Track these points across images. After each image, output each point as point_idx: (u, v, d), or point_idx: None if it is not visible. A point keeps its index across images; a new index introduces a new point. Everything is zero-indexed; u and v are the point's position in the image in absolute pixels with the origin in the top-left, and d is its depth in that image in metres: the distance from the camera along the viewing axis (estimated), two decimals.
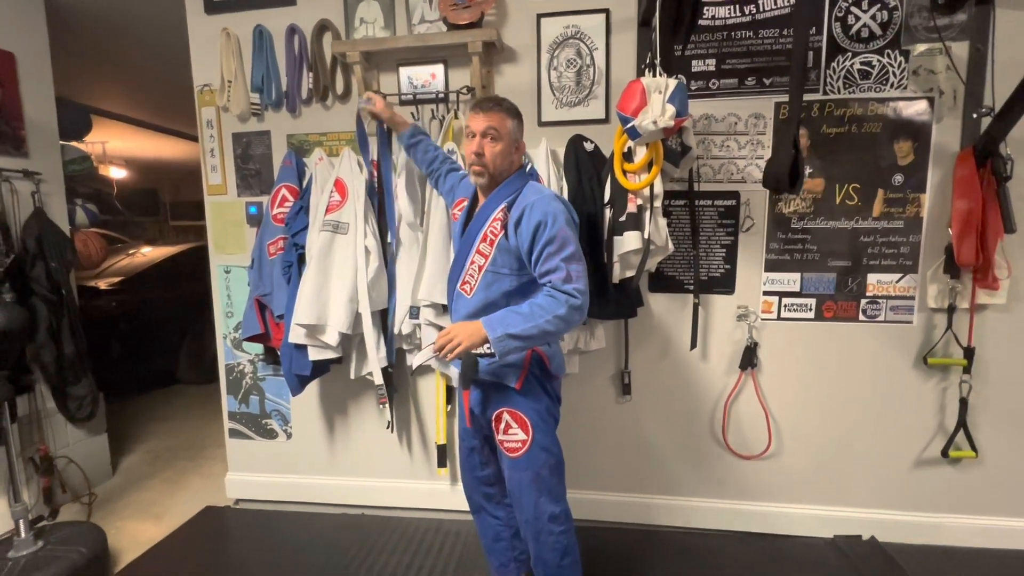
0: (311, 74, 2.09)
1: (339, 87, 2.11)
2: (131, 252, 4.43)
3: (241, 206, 2.23)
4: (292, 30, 2.07)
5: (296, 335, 1.94)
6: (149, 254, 4.40)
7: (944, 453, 1.92)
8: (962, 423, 1.89)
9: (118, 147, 5.53)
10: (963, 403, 1.88)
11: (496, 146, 1.38)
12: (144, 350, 3.89)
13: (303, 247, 2.00)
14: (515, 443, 1.43)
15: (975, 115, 1.77)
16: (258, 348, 2.25)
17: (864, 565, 1.87)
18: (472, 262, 1.41)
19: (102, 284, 3.76)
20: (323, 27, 2.07)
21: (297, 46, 2.09)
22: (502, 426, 1.44)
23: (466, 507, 2.18)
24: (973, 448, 1.90)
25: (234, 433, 2.37)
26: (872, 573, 1.84)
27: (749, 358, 1.98)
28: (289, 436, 2.33)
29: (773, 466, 2.04)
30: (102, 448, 2.69)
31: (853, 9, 1.81)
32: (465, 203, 1.54)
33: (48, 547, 1.90)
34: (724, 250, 1.97)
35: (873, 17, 1.81)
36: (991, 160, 1.72)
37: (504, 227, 1.36)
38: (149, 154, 6.13)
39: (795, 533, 2.04)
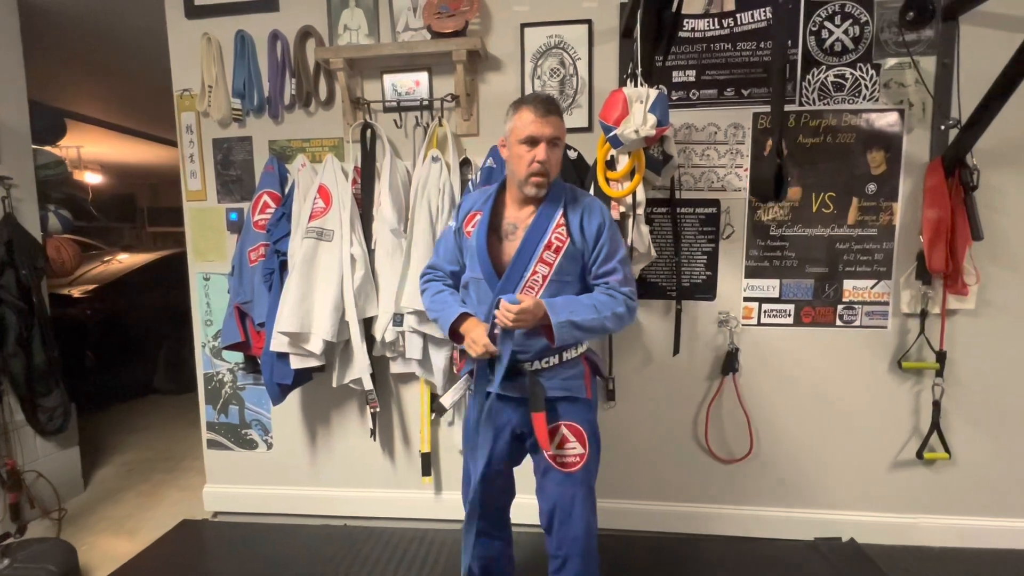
0: (294, 80, 2.08)
1: (323, 93, 2.10)
2: (106, 259, 4.33)
3: (221, 212, 2.20)
4: (275, 36, 2.06)
5: (278, 343, 1.91)
6: (125, 261, 4.30)
7: (919, 455, 1.97)
8: (935, 425, 1.94)
9: (94, 152, 5.41)
10: (936, 406, 1.94)
11: (558, 152, 1.32)
12: (120, 359, 3.79)
13: (285, 254, 1.97)
14: (573, 457, 1.35)
15: (943, 127, 1.84)
16: (238, 357, 2.21)
17: (843, 567, 1.90)
18: (534, 273, 1.31)
19: (75, 292, 3.66)
20: (306, 33, 2.06)
21: (280, 52, 2.07)
22: (556, 440, 1.35)
23: (451, 516, 2.18)
24: (946, 449, 1.95)
25: (212, 444, 2.31)
26: (851, 574, 1.87)
27: (730, 363, 2.00)
28: (270, 446, 2.28)
29: (755, 470, 2.07)
30: (73, 461, 2.61)
31: (827, 24, 1.87)
32: (479, 216, 1.39)
33: (15, 565, 1.83)
34: (705, 257, 2.00)
35: (845, 32, 1.87)
36: (959, 170, 1.79)
37: (570, 232, 1.31)
38: (126, 159, 6.01)
39: (777, 536, 2.07)
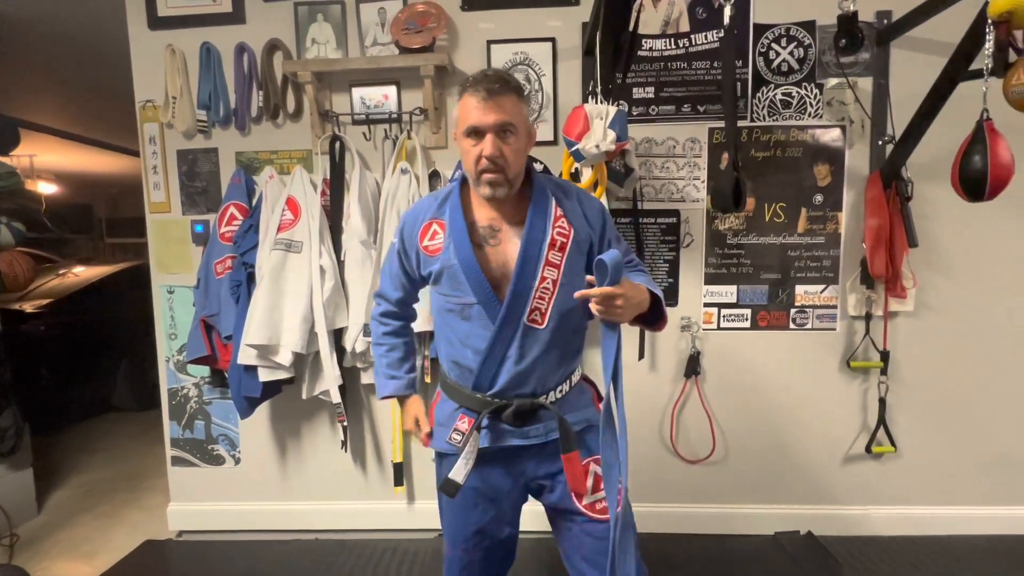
0: (261, 92, 2.08)
1: (290, 106, 2.11)
2: (61, 272, 4.16)
3: (186, 224, 2.16)
4: (242, 48, 2.06)
5: (246, 356, 1.89)
6: (82, 274, 4.14)
7: (868, 449, 2.09)
8: (882, 420, 2.07)
9: (48, 161, 5.21)
10: (882, 402, 2.06)
11: (516, 142, 1.03)
12: (77, 376, 3.64)
13: (253, 266, 1.96)
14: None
15: (880, 142, 1.98)
16: (204, 371, 2.17)
17: (802, 559, 2.00)
18: (542, 280, 1.06)
19: (28, 307, 3.51)
20: (274, 46, 2.07)
21: (247, 64, 2.07)
22: (589, 483, 1.10)
23: (424, 525, 2.19)
24: (892, 443, 2.08)
25: (177, 461, 2.26)
26: (809, 566, 1.96)
27: (693, 366, 2.09)
28: (237, 461, 2.24)
29: (718, 469, 2.15)
30: (26, 484, 2.49)
31: (774, 46, 2.00)
32: (439, 230, 1.10)
33: None
34: (667, 264, 2.09)
35: (791, 53, 1.99)
36: (895, 182, 1.93)
37: (571, 223, 1.10)
38: (83, 168, 5.79)
39: (739, 532, 2.15)
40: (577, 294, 1.00)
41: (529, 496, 1.22)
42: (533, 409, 1.10)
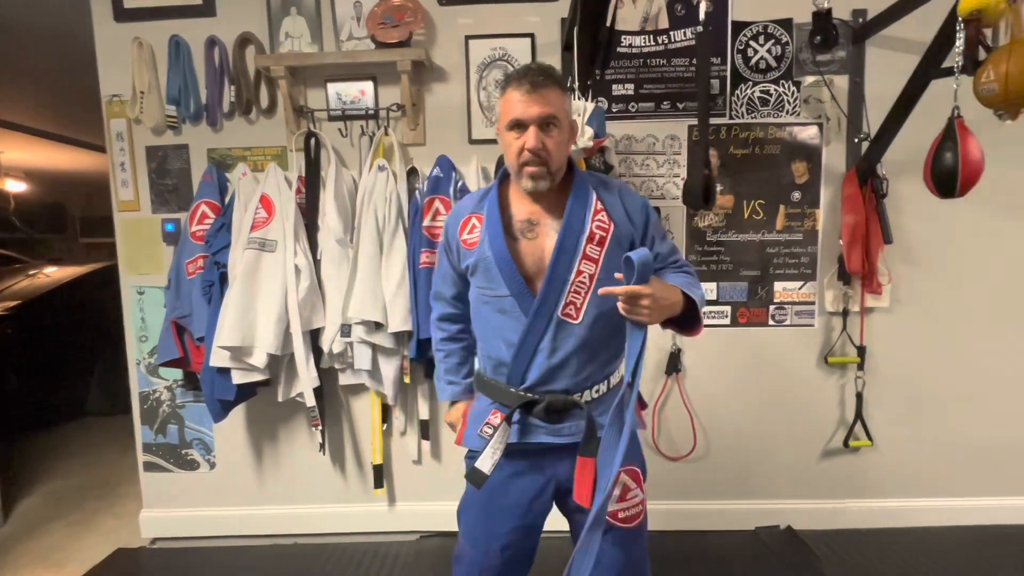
0: (233, 87, 2.03)
1: (264, 101, 2.06)
2: (31, 273, 4.03)
3: (156, 223, 2.10)
4: (212, 42, 2.00)
5: (219, 358, 1.85)
6: (54, 275, 4.01)
7: (845, 443, 2.11)
8: (859, 415, 2.09)
9: (17, 158, 5.05)
10: (859, 397, 2.09)
11: (558, 135, 1.04)
12: (48, 381, 3.53)
13: (225, 266, 1.91)
14: (636, 509, 1.09)
15: (856, 140, 2.00)
16: (176, 374, 2.12)
17: (782, 553, 2.01)
18: (578, 274, 1.05)
19: None
20: (245, 40, 2.01)
21: (218, 58, 2.02)
22: (617, 492, 1.09)
23: (406, 527, 2.16)
24: (869, 437, 2.11)
25: (150, 466, 2.20)
26: (789, 560, 1.97)
27: (674, 364, 2.09)
28: (212, 466, 2.19)
29: (699, 465, 2.16)
30: None
31: (752, 43, 2.00)
32: (477, 223, 1.11)
33: None
34: None
35: (769, 51, 2.00)
36: (871, 179, 1.95)
37: (612, 217, 1.09)
38: (55, 166, 5.62)
39: (721, 528, 2.16)
40: (602, 291, 0.98)
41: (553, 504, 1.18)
42: (566, 407, 1.08)
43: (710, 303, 2.09)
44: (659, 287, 0.98)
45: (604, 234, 1.07)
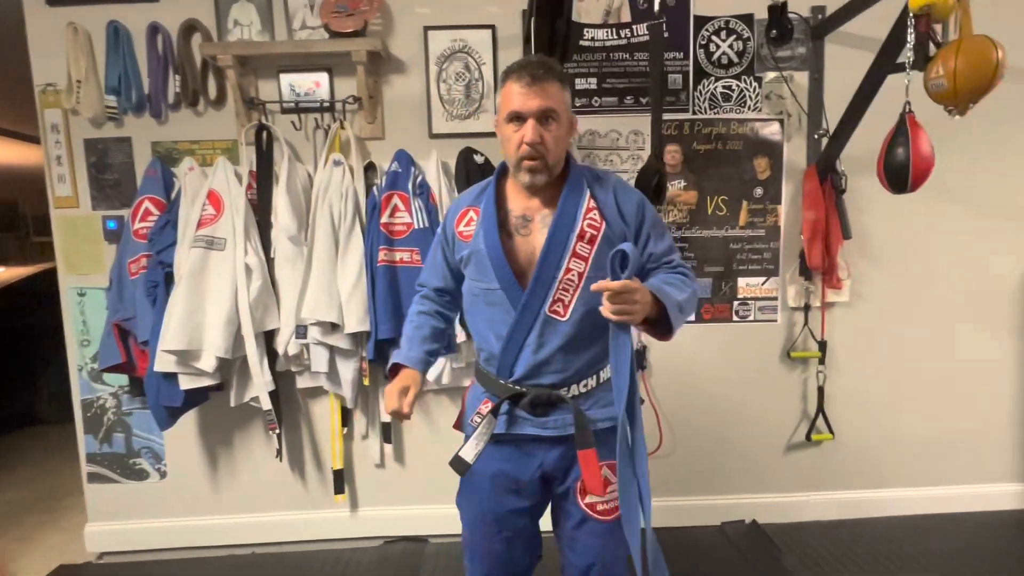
0: (178, 77, 1.92)
1: (212, 92, 1.96)
2: None
3: (97, 220, 1.99)
4: (155, 29, 1.89)
5: (164, 363, 1.75)
6: (1, 275, 3.80)
7: (808, 437, 2.14)
8: (820, 409, 2.12)
9: None
10: (820, 391, 2.11)
11: (557, 128, 1.04)
12: None
13: (170, 265, 1.82)
14: (615, 503, 1.10)
15: (816, 136, 2.01)
16: (122, 379, 2.01)
17: (747, 547, 2.02)
18: (567, 272, 1.06)
19: None
20: (191, 27, 1.91)
21: (161, 46, 1.91)
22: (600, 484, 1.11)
23: (369, 533, 2.10)
24: (830, 430, 2.13)
25: (95, 477, 2.08)
26: (753, 554, 1.99)
27: (639, 361, 2.08)
28: (163, 475, 2.09)
29: (665, 462, 2.15)
30: None
31: (714, 38, 1.99)
32: (474, 216, 1.13)
33: None
34: None
35: (730, 46, 1.99)
36: (830, 175, 1.96)
37: (604, 215, 1.08)
38: (3, 160, 5.32)
39: (688, 524, 2.16)
40: (594, 286, 0.96)
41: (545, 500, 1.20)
42: (551, 401, 1.10)
43: None
44: (638, 283, 0.98)
45: (595, 232, 1.07)
